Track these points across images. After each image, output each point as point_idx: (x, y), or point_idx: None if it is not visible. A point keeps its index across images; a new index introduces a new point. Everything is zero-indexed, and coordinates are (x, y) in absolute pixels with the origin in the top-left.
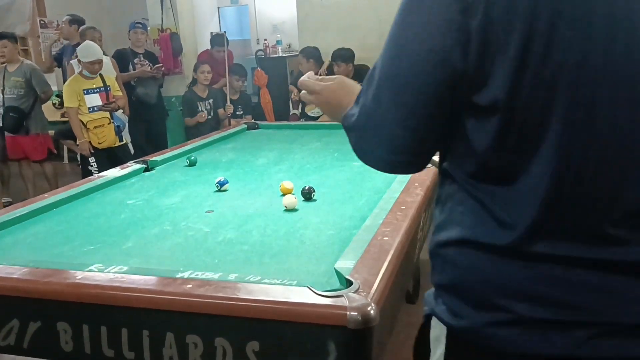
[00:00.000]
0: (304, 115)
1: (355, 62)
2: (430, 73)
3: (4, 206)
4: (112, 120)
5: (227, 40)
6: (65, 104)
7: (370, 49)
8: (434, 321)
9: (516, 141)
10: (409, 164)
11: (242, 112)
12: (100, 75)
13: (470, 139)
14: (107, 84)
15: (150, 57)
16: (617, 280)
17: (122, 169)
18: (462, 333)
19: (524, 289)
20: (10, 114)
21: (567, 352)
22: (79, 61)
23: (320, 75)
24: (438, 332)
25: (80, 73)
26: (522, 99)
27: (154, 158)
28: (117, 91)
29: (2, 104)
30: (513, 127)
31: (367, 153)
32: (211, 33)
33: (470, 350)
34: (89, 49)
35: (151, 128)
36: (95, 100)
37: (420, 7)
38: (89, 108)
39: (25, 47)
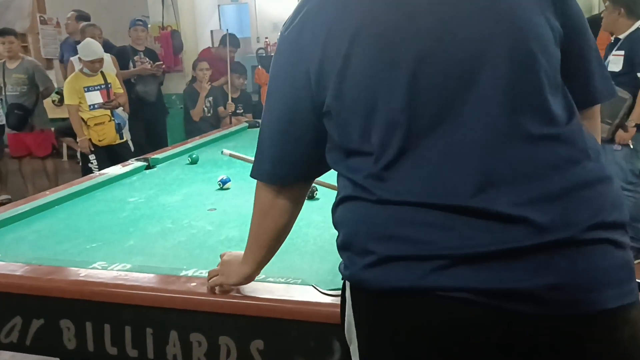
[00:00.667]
0: None
1: None
2: (292, 106)
3: (2, 204)
4: (112, 118)
5: (238, 40)
6: (66, 102)
7: None
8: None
9: (353, 129)
10: (292, 175)
11: (242, 110)
12: (101, 72)
13: (330, 135)
14: (108, 81)
15: (150, 54)
16: (455, 219)
17: (123, 166)
18: (352, 281)
19: (382, 231)
20: (15, 111)
21: (414, 284)
22: (80, 59)
23: None
24: (347, 288)
25: (80, 70)
26: (344, 103)
27: (155, 156)
28: (117, 88)
29: (4, 102)
30: (346, 121)
31: (258, 171)
32: (211, 31)
33: (361, 295)
34: (89, 48)
35: (151, 126)
36: (95, 97)
37: (281, 59)
38: (89, 105)
39: (25, 44)
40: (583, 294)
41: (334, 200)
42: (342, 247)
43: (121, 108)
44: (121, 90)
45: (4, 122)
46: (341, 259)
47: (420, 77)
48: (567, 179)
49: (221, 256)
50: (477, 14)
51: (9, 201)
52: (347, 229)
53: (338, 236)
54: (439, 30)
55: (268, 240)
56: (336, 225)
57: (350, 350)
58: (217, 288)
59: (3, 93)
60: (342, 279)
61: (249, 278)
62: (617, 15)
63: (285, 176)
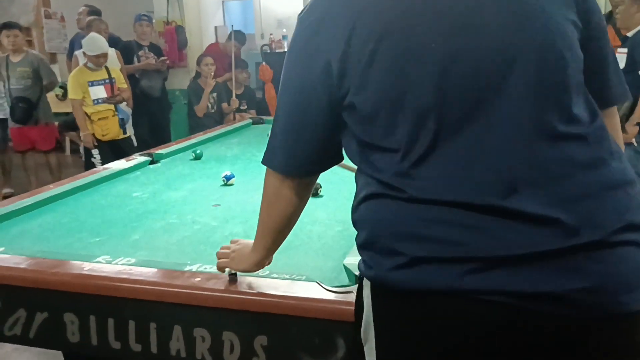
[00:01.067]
0: None
1: None
2: (308, 97)
3: (5, 197)
4: (116, 113)
5: (244, 36)
6: (70, 96)
7: None
8: (365, 280)
9: (378, 123)
10: (304, 170)
11: (246, 106)
12: (106, 67)
13: (350, 129)
14: (112, 76)
15: (155, 49)
16: (488, 219)
17: (127, 161)
18: (376, 281)
19: (413, 231)
20: (20, 104)
21: (449, 286)
22: (84, 53)
23: None
24: (367, 287)
25: (85, 65)
26: (370, 97)
27: (159, 151)
28: (122, 83)
29: (8, 94)
30: (370, 115)
31: (269, 160)
32: (215, 27)
33: (386, 295)
34: (94, 43)
35: (155, 121)
36: (100, 92)
37: (299, 49)
38: (93, 100)
39: (29, 38)
40: (611, 297)
41: (339, 197)
42: (364, 246)
43: (125, 103)
44: (125, 85)
45: (8, 115)
46: (361, 258)
47: (451, 75)
48: (594, 179)
49: (232, 242)
50: (506, 14)
51: (12, 195)
52: (372, 228)
53: (359, 235)
54: (469, 28)
55: (275, 227)
56: (357, 223)
57: (365, 349)
58: (226, 269)
59: (7, 86)
60: (359, 278)
61: (259, 264)
62: (634, 11)
63: (295, 167)
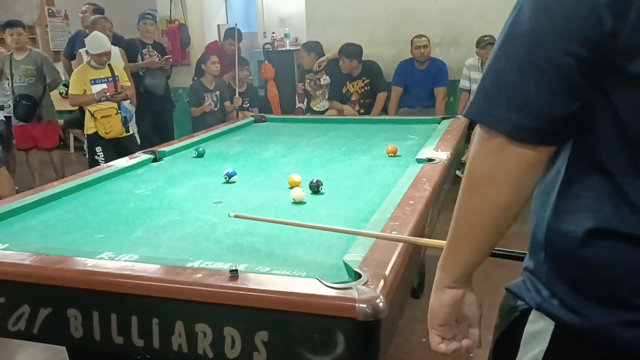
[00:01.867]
0: (309, 110)
1: (364, 58)
2: (572, 31)
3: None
4: (119, 111)
5: (241, 34)
6: (70, 91)
7: (379, 43)
8: (535, 315)
9: None
10: (539, 132)
11: (248, 104)
12: (109, 65)
13: (618, 114)
14: (116, 74)
15: (158, 48)
16: None
17: (130, 159)
18: (580, 331)
19: None
20: (23, 102)
21: None
22: (87, 52)
23: (318, 66)
24: (540, 328)
25: (88, 63)
26: None
27: (162, 149)
28: (125, 81)
29: (11, 93)
30: None
31: (492, 115)
32: (218, 25)
33: (583, 349)
34: (97, 41)
35: (158, 119)
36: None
37: None
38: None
39: (33, 36)
40: None
41: (340, 195)
42: (569, 284)
43: (128, 101)
44: (128, 83)
45: (12, 113)
46: (533, 289)
47: None
48: None
49: None
50: None
51: (16, 192)
52: (593, 269)
53: (559, 265)
54: None
55: (482, 222)
56: (562, 248)
57: None
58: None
59: (11, 84)
60: (519, 310)
61: (451, 288)
62: None
63: (527, 127)
